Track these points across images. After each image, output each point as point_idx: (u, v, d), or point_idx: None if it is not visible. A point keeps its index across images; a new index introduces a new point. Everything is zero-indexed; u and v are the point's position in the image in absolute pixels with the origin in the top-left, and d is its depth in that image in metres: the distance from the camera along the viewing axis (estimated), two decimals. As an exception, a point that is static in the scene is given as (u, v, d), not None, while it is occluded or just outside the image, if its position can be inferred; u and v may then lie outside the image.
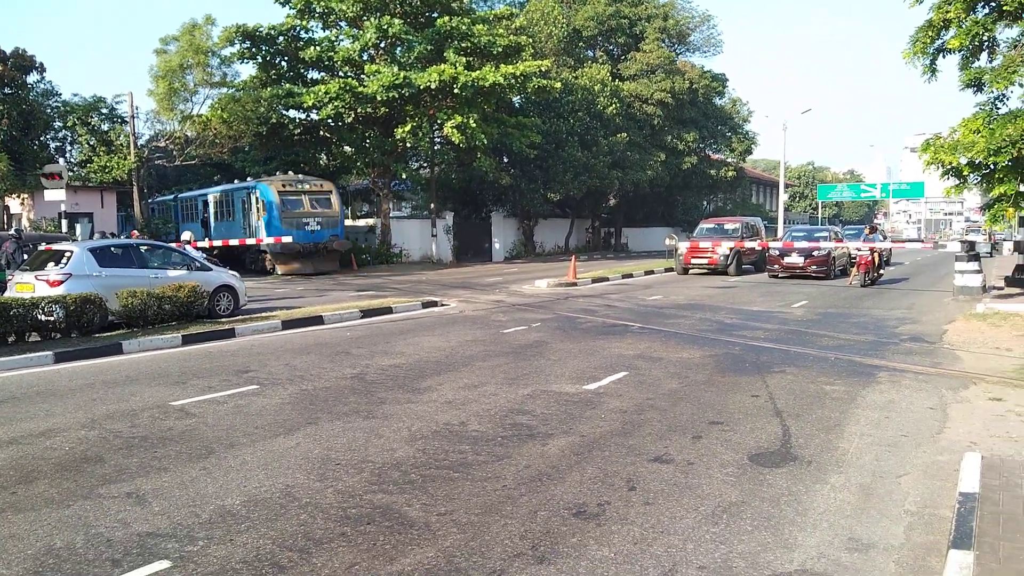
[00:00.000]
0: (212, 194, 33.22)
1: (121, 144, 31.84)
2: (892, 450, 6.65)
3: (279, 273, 28.18)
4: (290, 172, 31.21)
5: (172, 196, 37.47)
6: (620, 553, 4.68)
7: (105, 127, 35.74)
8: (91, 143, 35.00)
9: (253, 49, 31.61)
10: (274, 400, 8.66)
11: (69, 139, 37.86)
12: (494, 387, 9.17)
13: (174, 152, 30.57)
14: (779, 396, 8.68)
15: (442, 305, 18.04)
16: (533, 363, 10.68)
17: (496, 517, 5.24)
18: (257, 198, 28.90)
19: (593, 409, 8.11)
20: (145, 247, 15.27)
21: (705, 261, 27.91)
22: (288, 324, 14.52)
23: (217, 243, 30.18)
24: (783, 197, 52.81)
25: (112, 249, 14.51)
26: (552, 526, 5.09)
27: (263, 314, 15.50)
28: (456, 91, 28.77)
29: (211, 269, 15.53)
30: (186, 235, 22.94)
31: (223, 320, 14.53)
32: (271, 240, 27.86)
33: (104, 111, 36.24)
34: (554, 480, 5.96)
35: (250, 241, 29.26)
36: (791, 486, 5.81)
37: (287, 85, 31.09)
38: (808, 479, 5.96)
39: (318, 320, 15.09)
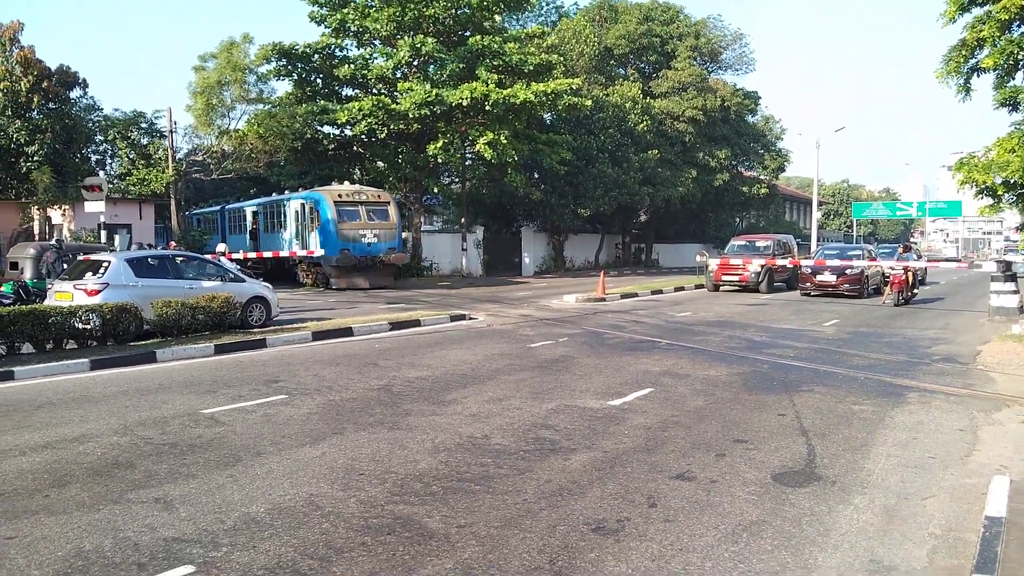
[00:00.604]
0: (261, 205, 32.82)
1: (160, 158, 32.59)
2: (919, 472, 6.57)
3: (333, 287, 27.13)
4: (346, 182, 30.22)
5: (219, 207, 37.58)
6: (637, 569, 4.69)
7: (144, 141, 36.59)
8: (131, 156, 35.83)
9: (289, 67, 32.20)
10: (302, 410, 8.77)
11: (110, 152, 38.79)
12: (519, 401, 9.21)
13: (211, 166, 31.20)
14: (806, 415, 8.60)
15: (470, 319, 18.14)
16: (558, 378, 10.70)
17: (515, 531, 5.26)
18: (312, 209, 27.84)
19: (617, 425, 8.10)
20: (180, 258, 15.60)
21: (736, 278, 27.72)
22: (318, 335, 14.70)
23: (267, 254, 30.33)
24: (816, 215, 52.20)
25: (148, 260, 14.84)
26: (571, 541, 5.10)
27: (294, 325, 15.71)
28: (488, 108, 29.01)
29: (245, 280, 15.80)
30: (221, 247, 23.38)
31: (255, 330, 14.76)
32: (327, 253, 26.94)
33: (144, 126, 37.12)
34: (575, 495, 5.97)
35: (302, 253, 28.47)
36: (814, 506, 5.76)
37: (322, 102, 31.58)
38: (831, 499, 5.90)
39: (347, 332, 15.26)
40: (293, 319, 17.04)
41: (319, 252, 27.20)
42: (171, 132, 30.78)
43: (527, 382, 10.41)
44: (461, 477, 6.38)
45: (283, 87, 37.27)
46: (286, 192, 31.15)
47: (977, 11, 15.47)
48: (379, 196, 28.80)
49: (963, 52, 15.50)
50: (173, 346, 12.68)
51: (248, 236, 33.36)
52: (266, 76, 30.22)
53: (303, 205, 28.55)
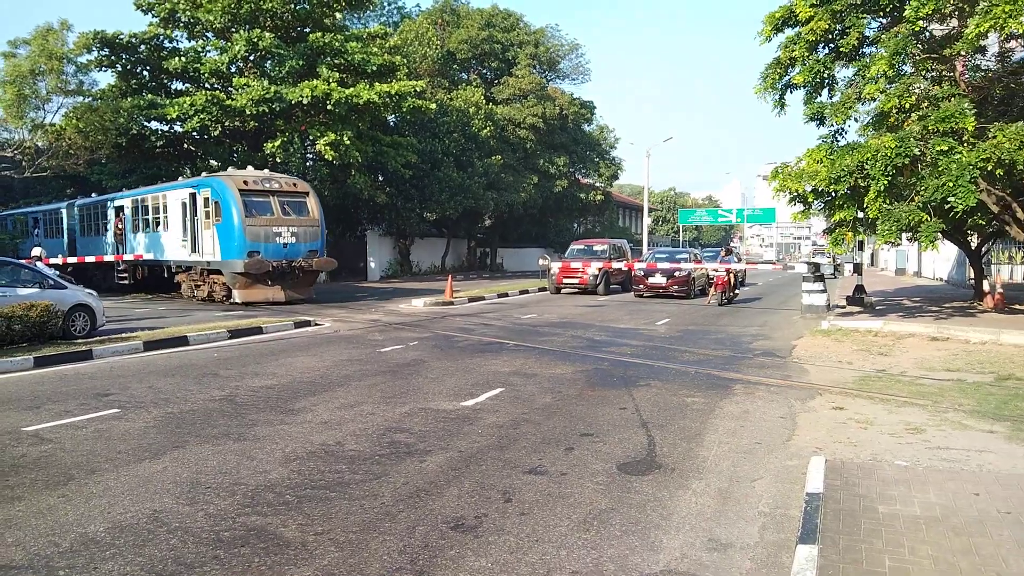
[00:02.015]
0: (131, 198, 28.08)
1: (-40, 152, 29.43)
2: (747, 456, 7.15)
3: (238, 301, 21.98)
4: (250, 167, 24.80)
5: (64, 203, 33.35)
6: (497, 563, 4.83)
7: (-58, 133, 32.90)
8: (-76, 149, 32.12)
9: (112, 57, 30.11)
10: (137, 424, 8.28)
11: None
12: (371, 406, 9.15)
13: (23, 163, 28.51)
14: (645, 408, 9.12)
15: (316, 325, 17.73)
16: (411, 381, 10.71)
17: (374, 534, 5.27)
18: (207, 200, 22.55)
19: (470, 425, 8.25)
20: (-10, 263, 14.22)
21: (576, 281, 28.77)
22: (151, 345, 13.87)
23: (137, 256, 26.41)
24: (647, 221, 55.11)
25: (-49, 266, 13.43)
26: (431, 540, 5.17)
27: (123, 335, 14.72)
28: (329, 108, 28.43)
29: (66, 287, 14.63)
30: (37, 251, 21.49)
31: (79, 341, 13.70)
32: (229, 256, 21.72)
33: (-60, 115, 33.34)
34: (432, 495, 6.04)
35: (192, 257, 23.52)
36: (656, 492, 6.15)
37: (149, 96, 29.74)
38: (672, 485, 6.32)
39: (183, 341, 14.50)
40: (122, 328, 15.96)
41: (216, 256, 22.20)
42: (-26, 124, 27.90)
43: (379, 387, 10.35)
44: (315, 485, 6.29)
45: (106, 79, 34.58)
46: (203, 175, 25.39)
47: (789, 32, 16.97)
48: (295, 185, 24.00)
49: (778, 70, 16.96)
50: (-16, 359, 11.57)
51: (113, 236, 28.96)
52: (87, 67, 27.96)
53: (193, 196, 23.42)
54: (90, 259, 27.51)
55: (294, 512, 5.66)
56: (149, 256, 26.25)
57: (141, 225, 27.12)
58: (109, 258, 27.86)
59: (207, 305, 22.79)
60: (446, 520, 5.52)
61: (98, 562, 4.79)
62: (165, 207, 25.29)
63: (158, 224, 25.89)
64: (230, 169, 24.82)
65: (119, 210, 28.69)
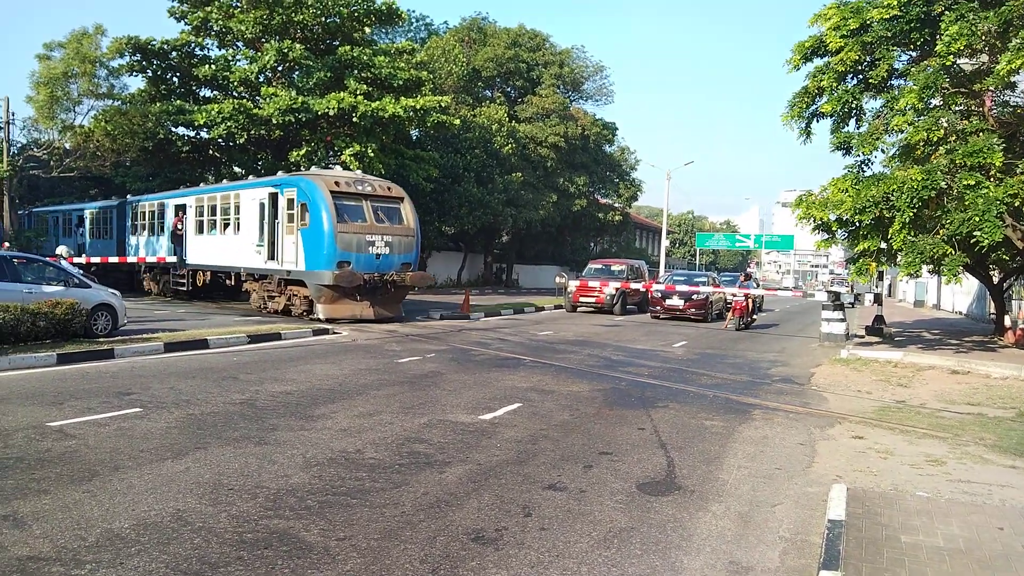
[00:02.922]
0: (194, 196, 26.06)
1: (-8, 150, 29.87)
2: (767, 481, 7.13)
3: (321, 317, 19.48)
4: (337, 167, 22.68)
5: (116, 202, 32.14)
6: (518, 576, 4.85)
7: (-26, 131, 33.46)
8: (-43, 147, 32.67)
9: (144, 62, 30.59)
10: (159, 424, 8.36)
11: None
12: (389, 416, 9.19)
13: (51, 163, 28.94)
14: (663, 429, 9.11)
15: (333, 333, 17.82)
16: (428, 393, 10.75)
17: (396, 542, 5.29)
18: (292, 201, 19.99)
19: (489, 438, 8.27)
20: (18, 260, 14.41)
21: (593, 300, 28.80)
22: (171, 347, 13.99)
23: (198, 261, 24.53)
24: (665, 243, 55.05)
25: (-19, 260, 13.63)
26: (451, 550, 5.19)
27: (144, 335, 14.87)
28: (355, 120, 28.70)
29: (90, 286, 14.80)
30: (61, 249, 21.73)
31: (101, 340, 13.85)
32: (316, 267, 19.11)
33: (-26, 114, 33.92)
34: (452, 506, 6.06)
35: (268, 265, 20.95)
36: (676, 513, 6.14)
37: (178, 101, 30.13)
38: (692, 507, 6.31)
39: (203, 344, 14.62)
40: (142, 328, 16.12)
41: (300, 265, 19.62)
42: (7, 124, 28.37)
43: (397, 397, 10.39)
44: (336, 491, 6.32)
45: (136, 83, 35.08)
46: (281, 174, 23.20)
47: (818, 61, 17.04)
48: (389, 189, 21.25)
49: (805, 98, 17.02)
50: (10, 354, 11.69)
51: (171, 238, 26.63)
52: (118, 71, 28.43)
53: (273, 196, 20.91)
54: (128, 259, 27.34)
55: (316, 517, 5.69)
56: (213, 261, 24.32)
57: (206, 227, 24.90)
58: (156, 259, 27.07)
59: (283, 319, 20.44)
60: (466, 532, 5.53)
61: (124, 558, 4.84)
62: (237, 208, 22.86)
63: (227, 226, 23.63)
64: (313, 168, 23.00)
65: (179, 209, 26.60)
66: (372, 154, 29.40)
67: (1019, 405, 11.45)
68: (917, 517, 5.90)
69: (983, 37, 14.27)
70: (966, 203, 13.63)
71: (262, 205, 21.41)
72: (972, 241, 13.68)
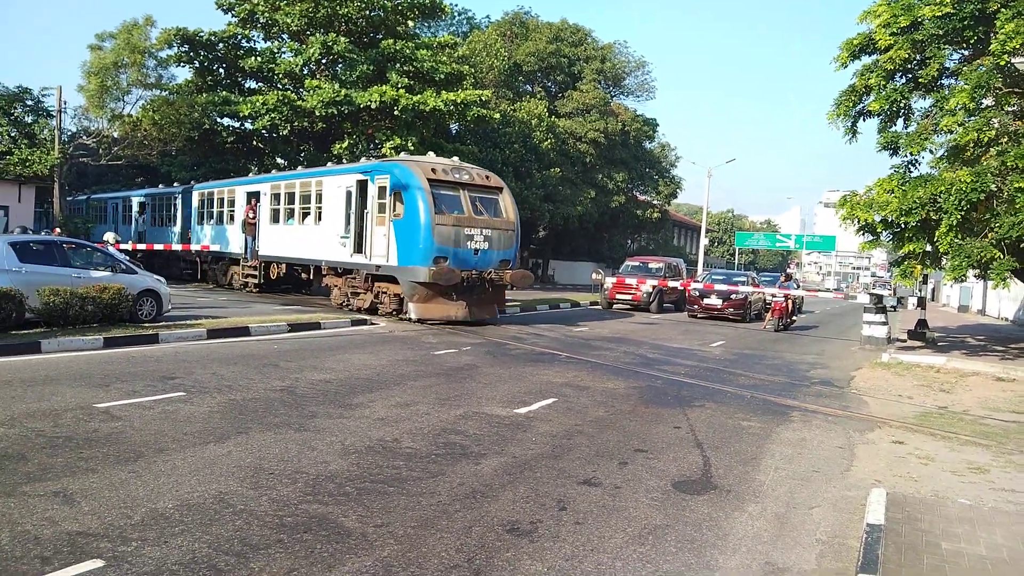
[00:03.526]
0: (270, 183, 24.44)
1: (44, 138, 30.66)
2: (804, 484, 7.07)
3: (412, 317, 18.09)
4: (431, 153, 20.99)
5: (180, 188, 30.81)
6: (553, 568, 4.87)
7: (29, 119, 34.35)
8: (12, 135, 33.57)
9: (191, 53, 31.20)
10: (202, 408, 8.54)
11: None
12: (426, 407, 9.28)
13: (99, 151, 29.62)
14: (699, 429, 9.06)
15: (371, 324, 18.00)
16: (464, 385, 10.83)
17: (432, 531, 5.35)
18: (385, 189, 18.32)
19: (524, 432, 8.31)
20: (68, 245, 14.79)
21: (629, 297, 28.67)
22: (213, 333, 14.26)
23: (281, 252, 23.04)
24: (704, 241, 54.59)
25: (33, 245, 14.00)
26: (487, 541, 5.24)
27: (187, 322, 15.17)
28: (396, 113, 28.92)
29: (136, 272, 15.14)
30: (109, 236, 22.22)
31: (146, 325, 14.17)
32: (409, 261, 17.56)
33: (29, 103, 34.80)
34: (487, 498, 6.11)
35: (355, 258, 19.42)
36: (712, 512, 6.12)
37: (223, 92, 30.69)
38: (728, 507, 6.28)
39: (244, 331, 14.87)
40: (185, 315, 16.44)
41: (391, 259, 18.03)
42: (60, 112, 29.08)
43: (433, 388, 10.48)
44: (374, 479, 6.41)
45: (183, 74, 35.69)
46: (368, 160, 21.87)
47: (866, 59, 16.76)
48: (488, 178, 19.54)
49: (852, 97, 16.75)
50: (59, 337, 12.02)
51: (243, 228, 25.16)
52: (167, 61, 29.06)
53: (362, 184, 19.34)
54: (192, 247, 26.93)
55: (354, 503, 5.78)
56: (290, 253, 22.96)
57: (283, 216, 23.46)
58: (225, 249, 26.27)
59: (368, 318, 18.98)
60: (502, 523, 5.58)
61: (168, 537, 4.97)
62: (319, 196, 21.41)
63: (306, 216, 22.23)
64: (403, 154, 21.76)
65: (252, 197, 25.11)
66: (412, 147, 29.60)
67: (1067, 414, 11.16)
68: (959, 524, 5.80)
69: (1040, 36, 13.89)
70: (1017, 206, 13.30)
71: (349, 193, 19.70)
72: (1022, 246, 13.35)
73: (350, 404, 9.18)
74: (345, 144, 29.89)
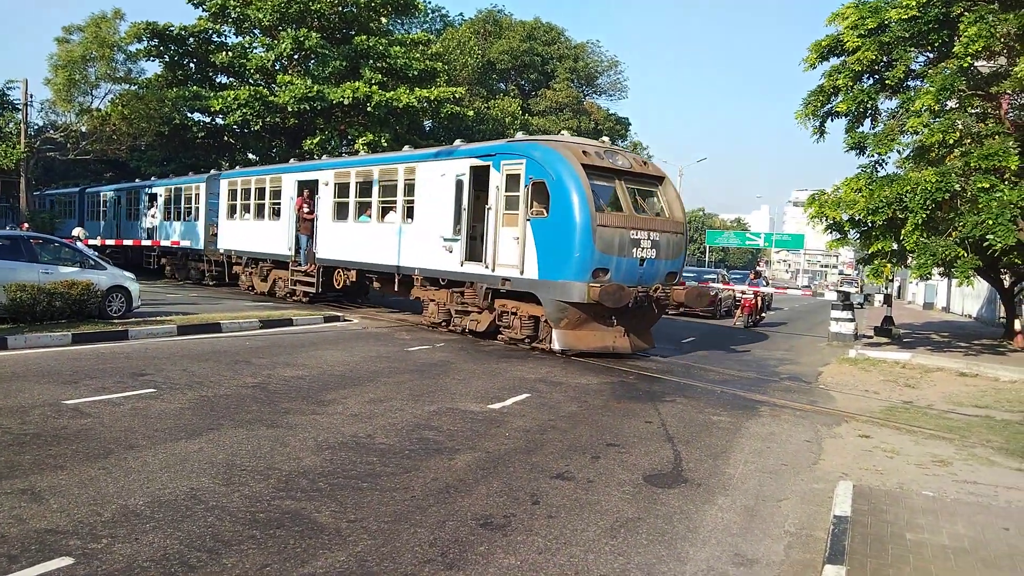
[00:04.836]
0: (333, 169, 20.04)
1: (10, 132, 30.15)
2: (773, 477, 7.18)
3: (556, 348, 13.91)
4: (565, 132, 17.40)
5: (203, 177, 26.91)
6: (526, 562, 4.92)
7: (-7, 113, 33.78)
8: (-26, 128, 33.02)
9: (161, 47, 30.88)
10: (173, 404, 8.47)
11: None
12: (400, 403, 9.28)
13: (67, 145, 29.16)
14: (670, 423, 9.16)
15: (344, 320, 17.93)
16: (438, 381, 10.84)
17: (406, 525, 5.37)
18: (519, 178, 14.15)
19: (498, 427, 8.35)
20: (35, 240, 14.57)
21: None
22: (184, 329, 14.12)
23: (348, 256, 18.87)
24: (677, 239, 54.93)
25: (-1, 240, 13.79)
26: (460, 535, 5.27)
27: (157, 318, 15.01)
28: (369, 109, 28.80)
29: (105, 268, 14.95)
30: (77, 231, 21.89)
31: (115, 321, 14.00)
32: (560, 275, 13.30)
33: (-6, 96, 34.27)
34: (461, 492, 6.14)
35: (472, 268, 15.20)
36: (683, 505, 6.20)
37: (194, 87, 30.40)
38: (698, 500, 6.37)
39: (216, 327, 14.74)
40: (155, 312, 16.26)
41: (530, 271, 13.82)
42: (26, 105, 28.62)
43: (407, 384, 10.48)
44: (347, 474, 6.41)
45: (153, 68, 35.24)
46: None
47: (835, 61, 17.01)
48: (645, 164, 15.48)
49: (820, 97, 17.00)
50: (27, 333, 11.84)
51: (284, 225, 21.54)
52: (136, 56, 28.70)
53: (479, 171, 15.29)
54: (218, 248, 24.31)
55: (327, 499, 5.78)
56: (360, 257, 18.81)
57: (353, 210, 19.19)
58: (264, 250, 22.57)
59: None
60: (475, 517, 5.61)
61: (139, 533, 4.94)
62: (410, 187, 17.28)
63: (386, 211, 18.24)
64: (519, 133, 18.41)
65: (305, 187, 21.08)
66: (386, 143, 29.51)
67: (1027, 409, 11.44)
68: (923, 516, 5.94)
69: (1002, 39, 14.21)
70: (980, 206, 13.59)
71: (459, 183, 15.61)
72: (985, 244, 13.65)
73: (323, 400, 9.15)
74: (317, 140, 29.74)
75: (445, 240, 15.97)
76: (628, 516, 5.86)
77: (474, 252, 15.48)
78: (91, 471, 6.07)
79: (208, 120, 32.58)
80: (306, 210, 20.64)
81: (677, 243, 14.73)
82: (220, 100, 28.72)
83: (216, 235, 25.41)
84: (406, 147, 20.51)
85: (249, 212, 23.85)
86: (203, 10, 30.81)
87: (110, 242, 28.42)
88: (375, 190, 18.42)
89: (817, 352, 18.47)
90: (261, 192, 23.14)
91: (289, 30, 29.29)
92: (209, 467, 6.37)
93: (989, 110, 16.02)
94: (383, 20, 33.24)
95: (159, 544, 4.80)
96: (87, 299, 13.48)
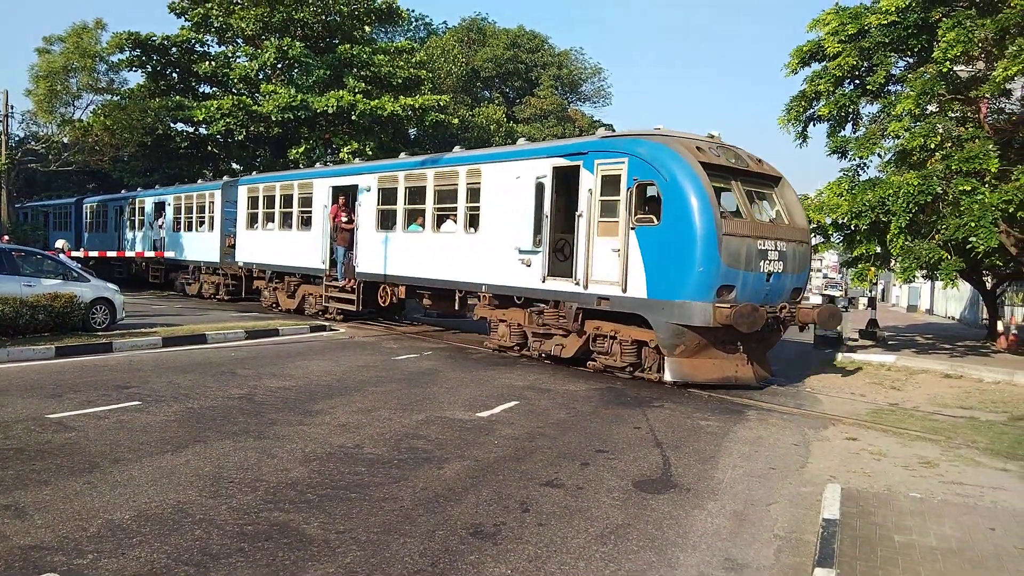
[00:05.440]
0: (376, 174, 18.04)
1: (-10, 143, 29.90)
2: (762, 481, 7.20)
3: (667, 379, 11.96)
4: (660, 125, 13.28)
5: (219, 183, 24.80)
6: (516, 570, 4.90)
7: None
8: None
9: (143, 58, 30.75)
10: (159, 417, 8.41)
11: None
12: (388, 412, 9.24)
13: (49, 156, 28.94)
14: (659, 428, 9.17)
15: (331, 330, 17.85)
16: (426, 390, 10.81)
17: (395, 536, 5.35)
18: (619, 178, 12.29)
19: (486, 435, 8.33)
20: (17, 253, 14.44)
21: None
22: (169, 341, 14.02)
23: (397, 271, 17.00)
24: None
25: (-21, 253, 13.66)
26: (450, 544, 5.25)
27: (142, 330, 14.89)
28: (354, 118, 28.77)
29: (89, 280, 14.83)
30: (60, 243, 21.69)
31: (100, 334, 13.88)
32: (685, 297, 11.37)
33: (-29, 107, 33.90)
34: (451, 501, 6.12)
35: (556, 285, 13.30)
36: (672, 511, 6.20)
37: (177, 97, 30.27)
38: (687, 505, 6.38)
39: (201, 339, 14.65)
40: (140, 323, 16.13)
41: (637, 289, 11.94)
42: (6, 117, 28.34)
43: (395, 394, 10.45)
44: (336, 485, 6.37)
45: (136, 78, 35.01)
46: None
47: (816, 66, 17.15)
48: (760, 162, 13.30)
49: (802, 102, 17.13)
50: (9, 347, 11.72)
51: (316, 236, 19.50)
52: (118, 66, 28.62)
53: (566, 172, 13.43)
54: (238, 261, 22.24)
55: (316, 510, 5.75)
56: (412, 272, 16.83)
57: (402, 219, 17.24)
58: (292, 263, 20.47)
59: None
60: (465, 526, 5.59)
61: (125, 548, 4.89)
62: (473, 192, 15.21)
63: (442, 220, 16.28)
64: (600, 129, 15.81)
65: (342, 193, 19.21)
66: (370, 152, 29.48)
67: (1011, 409, 11.54)
68: (910, 517, 5.97)
69: (980, 44, 14.37)
70: (961, 209, 13.73)
71: (539, 186, 13.70)
72: (968, 247, 13.77)
73: (310, 411, 9.10)
74: (302, 149, 29.66)
75: (522, 252, 13.97)
76: (618, 522, 5.86)
77: (559, 266, 13.81)
78: (76, 485, 6.01)
79: (191, 130, 32.43)
80: (344, 219, 18.73)
81: (804, 254, 12.94)
82: (203, 110, 28.62)
83: (233, 246, 23.40)
84: (456, 148, 18.81)
85: (273, 221, 21.67)
86: (185, 20, 30.72)
87: (111, 254, 27.89)
88: (430, 196, 16.37)
89: (803, 355, 18.55)
90: (288, 199, 21.07)
91: (272, 39, 29.24)
92: (196, 480, 6.32)
93: (969, 114, 16.19)
94: (367, 29, 33.25)
95: (146, 559, 4.75)
96: (70, 311, 13.36)
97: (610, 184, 12.52)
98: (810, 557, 5.19)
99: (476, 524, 5.64)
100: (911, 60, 16.31)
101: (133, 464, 6.64)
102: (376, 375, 11.92)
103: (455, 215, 15.85)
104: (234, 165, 33.48)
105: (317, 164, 24.87)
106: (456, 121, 34.36)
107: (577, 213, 12.99)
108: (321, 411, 9.13)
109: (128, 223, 30.04)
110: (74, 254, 23.17)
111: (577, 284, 12.96)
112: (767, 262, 11.98)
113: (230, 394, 9.87)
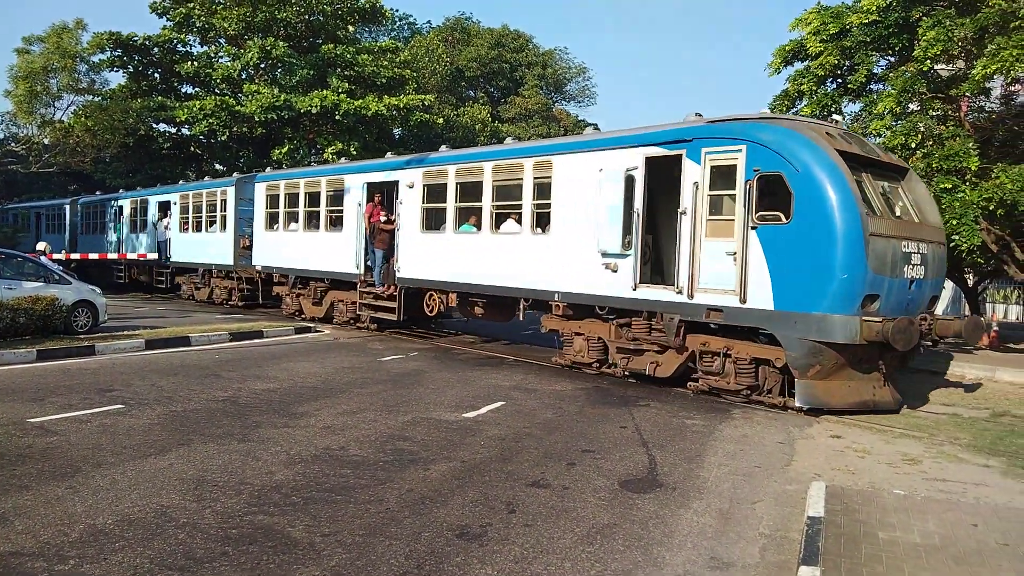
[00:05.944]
0: (421, 168, 16.08)
1: (-32, 145, 29.60)
2: (747, 479, 7.23)
3: (798, 405, 10.17)
4: (764, 109, 13.73)
5: (231, 180, 23.05)
6: (502, 571, 4.90)
7: (-49, 125, 33.02)
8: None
9: (125, 58, 30.49)
10: (142, 420, 8.34)
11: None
12: (373, 414, 9.21)
13: (29, 158, 28.63)
14: (644, 428, 9.19)
15: (315, 331, 17.77)
16: (412, 391, 10.78)
17: (381, 538, 5.33)
18: (735, 169, 10.52)
19: (473, 436, 8.31)
20: (-4, 255, 14.30)
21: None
22: (152, 344, 13.91)
23: (447, 276, 15.29)
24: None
25: (-42, 256, 13.51)
26: (436, 546, 5.23)
27: (125, 332, 14.77)
28: (338, 118, 28.66)
29: (71, 282, 14.69)
30: (41, 245, 21.46)
31: (82, 336, 13.76)
32: (822, 310, 9.65)
33: (-50, 107, 33.58)
34: (437, 503, 6.10)
35: (646, 294, 11.62)
36: (658, 510, 6.22)
37: (159, 98, 30.02)
38: (673, 504, 6.39)
39: (184, 341, 14.54)
40: (123, 326, 16.00)
41: (762, 300, 10.25)
42: (-15, 118, 28.11)
43: (380, 395, 10.41)
44: (321, 488, 6.35)
45: (117, 79, 34.67)
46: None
47: (799, 65, 17.28)
48: (887, 152, 12.02)
49: (786, 101, 17.25)
50: (-12, 350, 11.62)
51: (348, 237, 17.78)
52: (99, 66, 28.33)
53: (663, 162, 11.58)
54: (255, 266, 20.77)
55: (301, 513, 5.72)
56: (464, 277, 14.97)
57: (453, 219, 15.39)
58: (321, 268, 18.66)
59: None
60: (451, 528, 5.58)
61: (108, 553, 4.85)
62: (541, 187, 13.51)
63: (502, 219, 14.52)
64: (690, 115, 11.89)
65: (378, 191, 17.64)
66: (355, 152, 29.38)
67: (992, 405, 11.65)
68: (894, 514, 6.01)
69: (959, 43, 14.50)
70: (943, 206, 13.84)
71: (629, 180, 11.87)
72: (951, 245, 13.89)
73: (295, 413, 9.06)
74: (285, 149, 29.52)
75: (607, 256, 12.18)
76: (604, 522, 5.86)
77: (655, 272, 12.39)
78: (57, 490, 5.95)
79: (174, 131, 32.18)
80: (383, 219, 17.05)
81: (942, 257, 11.26)
82: (186, 110, 28.42)
83: (249, 248, 21.69)
84: (508, 139, 16.81)
85: (297, 221, 19.70)
86: (168, 19, 30.49)
87: (113, 256, 27.19)
88: (487, 192, 14.43)
89: (788, 353, 18.64)
90: (314, 197, 19.09)
91: (255, 39, 29.07)
92: (179, 483, 6.27)
93: (949, 112, 16.33)
94: (350, 28, 33.13)
95: (129, 563, 4.71)
96: (52, 314, 13.24)
97: (722, 176, 10.78)
98: (795, 555, 5.21)
99: (462, 525, 5.63)
100: (892, 59, 16.46)
101: (116, 468, 6.58)
102: (362, 376, 11.87)
103: (518, 214, 14.13)
104: (217, 166, 33.24)
105: (342, 160, 24.05)
106: (441, 121, 34.31)
107: (679, 210, 11.15)
108: (306, 413, 9.08)
109: (128, 223, 28.38)
110: (56, 256, 22.91)
111: (680, 293, 11.19)
112: (910, 267, 10.32)
113: (214, 396, 9.81)
